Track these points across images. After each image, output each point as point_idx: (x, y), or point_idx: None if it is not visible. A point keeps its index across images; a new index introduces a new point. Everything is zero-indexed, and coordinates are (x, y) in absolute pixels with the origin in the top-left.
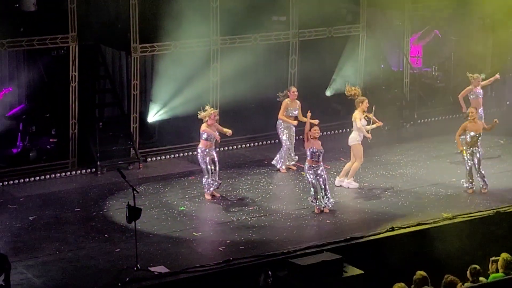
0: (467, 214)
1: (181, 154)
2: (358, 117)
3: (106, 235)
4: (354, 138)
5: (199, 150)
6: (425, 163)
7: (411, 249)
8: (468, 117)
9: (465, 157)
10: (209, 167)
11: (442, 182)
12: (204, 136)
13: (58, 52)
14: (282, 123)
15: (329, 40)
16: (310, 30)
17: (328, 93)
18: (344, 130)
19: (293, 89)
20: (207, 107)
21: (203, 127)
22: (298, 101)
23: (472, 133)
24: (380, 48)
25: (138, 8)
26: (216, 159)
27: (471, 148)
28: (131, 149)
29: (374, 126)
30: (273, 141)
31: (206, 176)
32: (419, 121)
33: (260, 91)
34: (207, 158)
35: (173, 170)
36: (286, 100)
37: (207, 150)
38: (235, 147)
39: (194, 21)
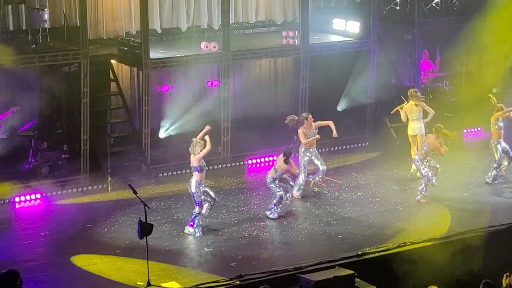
0: (479, 229)
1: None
2: None
3: (117, 251)
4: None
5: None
6: (437, 178)
7: (422, 264)
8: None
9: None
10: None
11: (454, 197)
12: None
13: (69, 68)
14: (303, 148)
15: (340, 55)
16: (321, 45)
17: (339, 108)
18: (356, 145)
19: (309, 117)
20: (193, 140)
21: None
22: (313, 124)
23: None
24: (391, 63)
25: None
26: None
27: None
28: (143, 164)
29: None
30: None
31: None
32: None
33: (271, 106)
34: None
35: (185, 186)
36: (301, 129)
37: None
38: (244, 162)
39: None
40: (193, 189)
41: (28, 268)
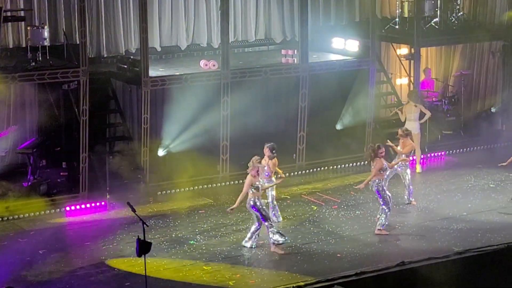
0: (478, 248)
1: (191, 188)
2: None
3: (115, 269)
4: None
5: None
6: (435, 197)
7: (421, 283)
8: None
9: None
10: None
11: (453, 216)
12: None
13: (69, 86)
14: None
15: (339, 73)
16: (321, 63)
17: (338, 126)
18: (355, 163)
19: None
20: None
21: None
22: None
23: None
24: (390, 82)
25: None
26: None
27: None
28: (142, 182)
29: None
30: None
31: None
32: (429, 154)
33: (270, 125)
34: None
35: (183, 204)
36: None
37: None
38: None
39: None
40: (258, 205)
41: (27, 286)
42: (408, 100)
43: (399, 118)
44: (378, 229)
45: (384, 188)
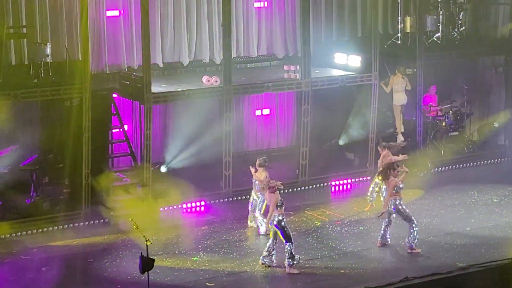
0: (482, 263)
1: (194, 204)
2: None
3: (119, 286)
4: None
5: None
6: (439, 212)
7: None
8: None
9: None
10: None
11: (456, 232)
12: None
13: (71, 102)
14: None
15: (342, 89)
16: (323, 79)
17: (341, 142)
18: (358, 178)
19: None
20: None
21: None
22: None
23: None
24: (393, 97)
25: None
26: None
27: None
28: (144, 198)
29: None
30: (286, 190)
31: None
32: (432, 170)
33: (273, 140)
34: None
35: (187, 220)
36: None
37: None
38: (247, 196)
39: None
40: (282, 224)
41: None
42: (396, 72)
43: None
44: (411, 247)
45: (403, 205)
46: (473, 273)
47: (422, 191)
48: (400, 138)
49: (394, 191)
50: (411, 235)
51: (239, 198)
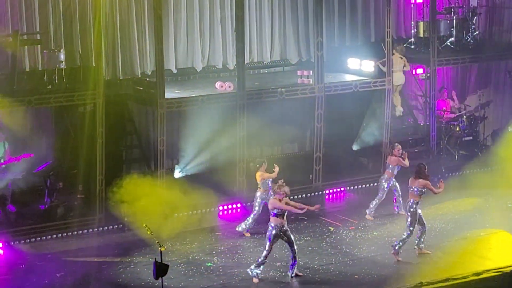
0: (496, 268)
1: (208, 209)
2: None
3: None
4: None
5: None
6: (453, 217)
7: None
8: None
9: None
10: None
11: (470, 237)
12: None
13: (85, 108)
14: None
15: (355, 94)
16: (336, 84)
17: (355, 147)
18: (372, 184)
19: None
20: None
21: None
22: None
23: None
24: (406, 102)
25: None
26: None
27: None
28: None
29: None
30: (299, 195)
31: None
32: (446, 175)
33: (286, 146)
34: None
35: (201, 225)
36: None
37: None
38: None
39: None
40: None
41: None
42: (394, 52)
43: (415, 137)
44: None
45: (418, 209)
46: (487, 278)
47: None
48: (400, 109)
49: (418, 193)
50: (422, 237)
51: (252, 203)
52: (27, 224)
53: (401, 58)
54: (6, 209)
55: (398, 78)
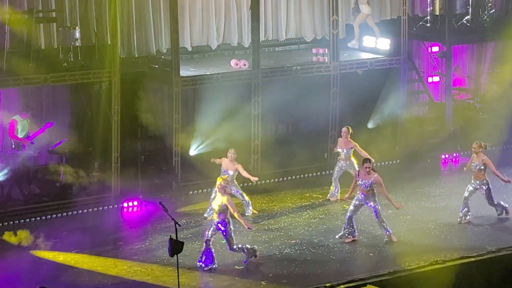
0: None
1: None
2: None
3: (148, 269)
4: None
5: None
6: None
7: (454, 282)
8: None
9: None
10: None
11: (486, 215)
12: None
13: (100, 86)
14: None
15: (370, 72)
16: (351, 62)
17: (370, 125)
18: (387, 163)
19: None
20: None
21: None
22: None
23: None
24: (422, 80)
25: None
26: None
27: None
28: (173, 182)
29: None
30: (314, 174)
31: None
32: (462, 153)
33: (301, 124)
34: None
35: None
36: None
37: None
38: (277, 179)
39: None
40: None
41: (60, 286)
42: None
43: (431, 116)
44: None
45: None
46: (503, 256)
47: (451, 174)
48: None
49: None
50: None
51: (268, 181)
52: (43, 201)
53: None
54: (30, 188)
55: (365, 9)
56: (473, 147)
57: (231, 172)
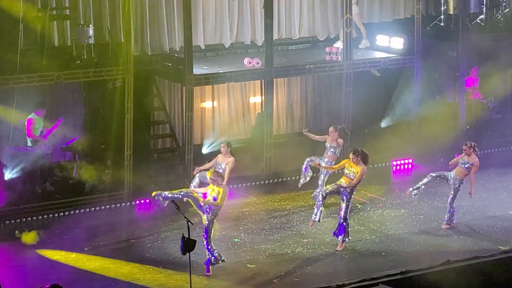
0: None
1: (235, 185)
2: None
3: (160, 267)
4: None
5: None
6: (481, 195)
7: (467, 282)
8: None
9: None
10: None
11: (498, 215)
12: None
13: (113, 84)
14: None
15: (384, 71)
16: (365, 61)
17: (383, 124)
18: (400, 161)
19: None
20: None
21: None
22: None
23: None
24: (435, 79)
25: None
26: None
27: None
28: (186, 180)
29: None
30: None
31: None
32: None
33: (314, 123)
34: None
35: (227, 201)
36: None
37: None
38: (287, 178)
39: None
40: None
41: (72, 283)
42: None
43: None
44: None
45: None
46: None
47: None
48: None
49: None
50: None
51: (279, 180)
52: (55, 198)
53: None
54: (45, 186)
55: (354, 8)
56: (463, 148)
57: (223, 165)
